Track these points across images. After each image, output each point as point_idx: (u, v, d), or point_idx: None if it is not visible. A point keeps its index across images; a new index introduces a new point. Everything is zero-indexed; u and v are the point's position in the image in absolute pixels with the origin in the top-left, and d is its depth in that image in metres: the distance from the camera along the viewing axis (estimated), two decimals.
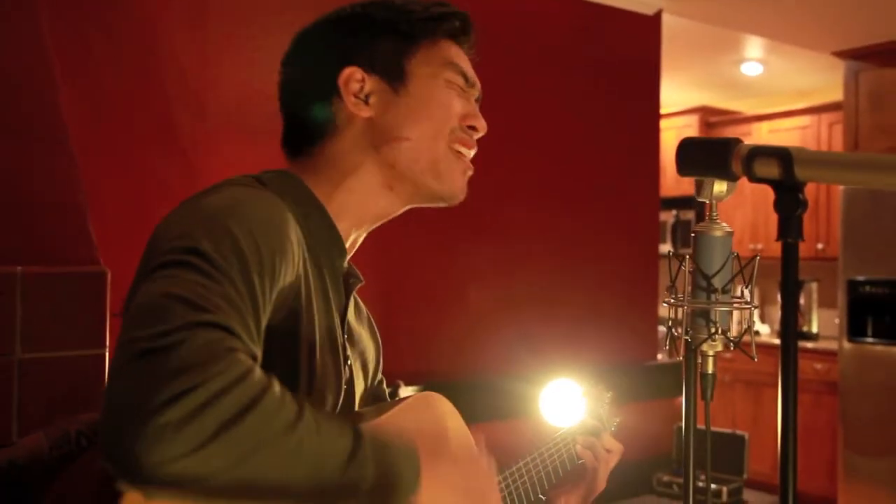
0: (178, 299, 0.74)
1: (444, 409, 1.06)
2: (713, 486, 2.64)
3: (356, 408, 1.08)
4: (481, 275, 3.07)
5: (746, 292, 0.98)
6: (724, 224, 0.96)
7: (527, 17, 3.26)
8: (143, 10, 2.25)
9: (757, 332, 1.02)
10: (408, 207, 1.10)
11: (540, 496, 1.23)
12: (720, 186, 0.93)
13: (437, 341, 2.96)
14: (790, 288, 0.78)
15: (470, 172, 1.09)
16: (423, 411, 1.03)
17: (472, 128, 1.08)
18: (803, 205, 0.79)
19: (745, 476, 3.15)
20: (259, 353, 0.80)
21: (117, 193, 2.05)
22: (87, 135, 1.97)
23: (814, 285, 5.15)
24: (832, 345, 4.59)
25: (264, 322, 0.83)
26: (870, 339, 4.03)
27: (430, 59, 1.06)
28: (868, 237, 4.07)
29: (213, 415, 0.69)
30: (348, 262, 1.09)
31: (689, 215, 5.96)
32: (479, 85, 1.11)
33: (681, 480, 3.17)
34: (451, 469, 0.89)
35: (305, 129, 1.07)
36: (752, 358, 0.93)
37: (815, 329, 5.16)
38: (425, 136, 1.04)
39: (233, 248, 0.81)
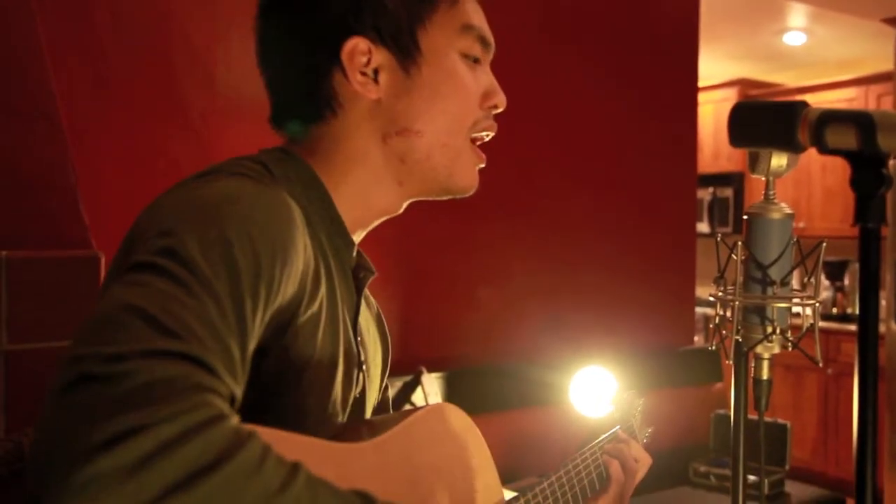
0: (142, 315, 0.60)
1: (461, 424, 0.94)
2: (753, 477, 2.49)
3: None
4: (511, 258, 2.94)
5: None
6: (784, 205, 0.82)
7: None
8: None
9: (797, 314, 0.88)
10: (411, 201, 0.96)
11: None
12: (779, 160, 0.79)
13: (464, 326, 2.83)
14: (870, 281, 0.64)
15: (483, 163, 0.95)
16: (437, 426, 0.91)
17: (493, 107, 0.93)
18: (887, 181, 0.65)
19: (787, 467, 2.99)
20: (240, 391, 0.65)
21: (119, 172, 1.94)
22: (88, 111, 1.86)
23: (857, 265, 4.94)
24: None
25: (251, 348, 0.68)
26: None
27: (445, 25, 0.90)
28: None
29: (159, 470, 0.53)
30: (358, 252, 0.95)
31: (727, 192, 5.77)
32: (493, 44, 0.95)
33: (718, 471, 3.03)
34: None
35: (299, 108, 0.91)
36: (817, 363, 0.80)
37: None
38: (441, 130, 0.89)
39: (225, 255, 0.66)
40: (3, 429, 1.33)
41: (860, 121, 0.65)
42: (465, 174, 0.92)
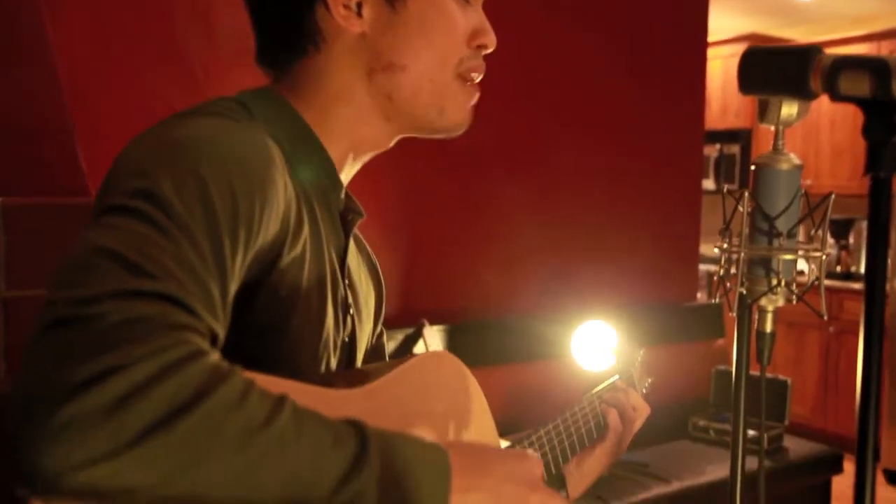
0: (114, 257, 0.59)
1: (457, 372, 0.93)
2: (752, 432, 2.51)
3: (357, 365, 0.95)
4: (514, 212, 2.92)
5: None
6: (793, 155, 0.80)
7: None
8: None
9: (801, 272, 0.87)
10: (401, 137, 0.93)
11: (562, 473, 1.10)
12: (790, 108, 0.77)
13: (466, 280, 2.83)
14: (880, 233, 0.63)
15: (476, 98, 0.92)
16: (431, 373, 0.90)
17: (482, 46, 0.90)
18: None
19: (786, 422, 3.01)
20: (222, 330, 0.64)
21: (117, 120, 1.92)
22: (86, 59, 1.83)
23: (864, 223, 4.91)
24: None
25: (233, 289, 0.67)
26: None
27: None
28: None
29: (137, 410, 0.52)
30: (347, 194, 0.94)
31: (734, 149, 5.72)
32: None
33: (718, 426, 3.05)
34: (490, 488, 0.71)
35: (282, 43, 0.88)
36: (822, 316, 0.78)
37: (864, 269, 4.95)
38: (427, 65, 0.87)
39: (200, 194, 0.65)
40: (3, 371, 1.33)
41: (875, 67, 0.63)
42: (457, 111, 0.90)
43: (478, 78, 0.91)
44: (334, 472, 0.59)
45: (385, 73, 0.86)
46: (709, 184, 5.60)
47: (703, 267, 4.00)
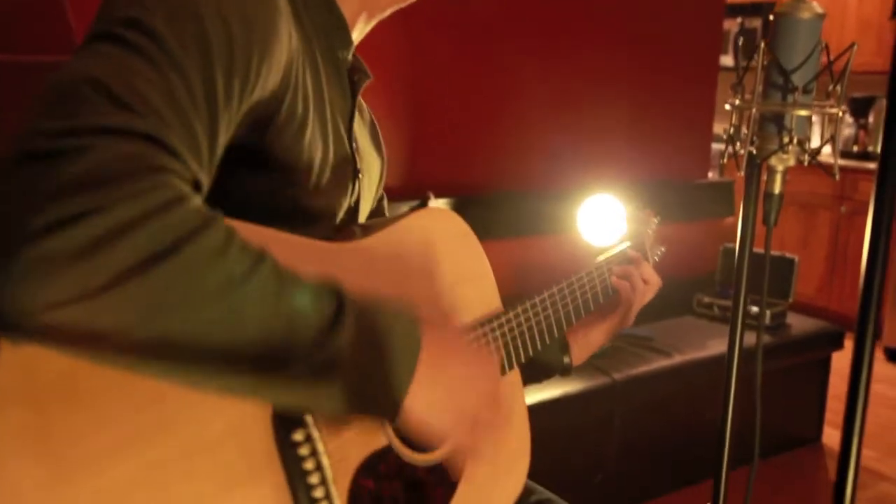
0: (98, 87, 0.54)
1: (457, 229, 0.90)
2: (756, 308, 2.52)
3: None
4: (524, 82, 2.84)
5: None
6: (815, 3, 0.74)
7: None
8: None
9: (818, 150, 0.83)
10: None
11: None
12: None
13: (474, 152, 2.78)
14: None
15: None
16: (429, 229, 0.86)
17: None
18: None
19: (790, 300, 3.02)
20: (206, 178, 0.60)
21: None
22: None
23: (885, 102, 4.78)
24: None
25: (223, 139, 0.62)
26: None
27: None
28: None
29: (112, 253, 0.50)
30: (354, 55, 0.89)
31: (756, 24, 5.50)
32: None
33: (722, 302, 3.06)
34: (453, 364, 0.69)
35: None
36: (833, 176, 0.75)
37: (879, 149, 4.85)
38: None
39: (196, 32, 0.59)
40: None
41: None
42: None
43: None
44: (310, 332, 0.58)
45: None
46: (727, 60, 5.43)
47: (716, 146, 3.92)
